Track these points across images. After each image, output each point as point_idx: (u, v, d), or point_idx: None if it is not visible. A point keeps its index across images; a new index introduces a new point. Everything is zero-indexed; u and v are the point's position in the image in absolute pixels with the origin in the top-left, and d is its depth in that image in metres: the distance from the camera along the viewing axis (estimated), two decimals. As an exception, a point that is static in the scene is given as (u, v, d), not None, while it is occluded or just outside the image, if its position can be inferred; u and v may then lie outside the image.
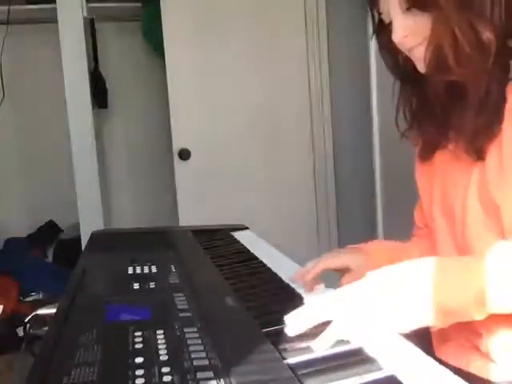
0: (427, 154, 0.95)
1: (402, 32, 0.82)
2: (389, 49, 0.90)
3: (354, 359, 0.65)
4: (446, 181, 0.92)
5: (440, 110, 0.88)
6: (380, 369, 0.63)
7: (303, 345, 0.69)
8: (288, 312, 0.73)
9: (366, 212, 2.44)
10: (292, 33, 2.74)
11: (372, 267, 0.90)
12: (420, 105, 0.93)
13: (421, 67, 0.84)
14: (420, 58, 0.82)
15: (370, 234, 2.30)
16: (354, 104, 2.75)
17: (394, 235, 2.02)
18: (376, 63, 2.05)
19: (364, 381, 0.60)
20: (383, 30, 0.89)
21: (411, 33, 0.81)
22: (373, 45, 2.05)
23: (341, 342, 0.70)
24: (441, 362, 0.77)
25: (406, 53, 0.86)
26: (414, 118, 0.94)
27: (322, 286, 0.97)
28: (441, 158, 0.93)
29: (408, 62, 0.88)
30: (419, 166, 1.01)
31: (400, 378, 0.61)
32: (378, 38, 0.93)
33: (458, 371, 0.76)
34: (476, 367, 0.86)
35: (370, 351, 0.67)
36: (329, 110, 2.85)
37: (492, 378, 0.83)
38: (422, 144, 0.97)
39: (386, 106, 2.04)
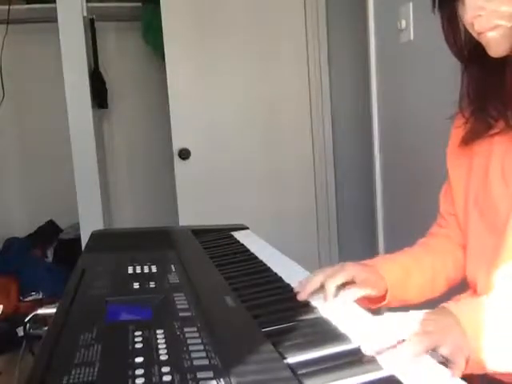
0: (474, 136, 0.90)
1: (476, 10, 0.75)
2: (453, 28, 0.84)
3: (354, 359, 0.65)
4: (490, 175, 0.87)
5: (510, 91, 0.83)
6: (380, 369, 0.63)
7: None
8: (287, 312, 0.73)
9: (366, 208, 2.44)
10: (292, 31, 2.74)
11: (383, 285, 0.90)
12: (485, 86, 0.87)
13: (495, 51, 0.78)
14: (494, 41, 0.76)
15: (370, 230, 2.30)
16: (354, 103, 2.75)
17: (395, 230, 2.02)
18: (376, 61, 2.05)
19: (364, 381, 0.60)
20: (450, 6, 0.82)
21: (486, 12, 0.74)
22: (372, 42, 2.05)
23: (341, 342, 0.70)
24: None
25: (475, 35, 0.79)
26: (477, 98, 0.88)
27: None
28: (487, 150, 0.88)
29: (472, 41, 0.82)
30: (456, 153, 0.96)
31: (400, 377, 0.61)
32: (442, 16, 0.85)
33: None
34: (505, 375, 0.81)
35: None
36: (329, 110, 2.85)
37: None
38: (471, 126, 0.91)
39: (386, 101, 2.03)
